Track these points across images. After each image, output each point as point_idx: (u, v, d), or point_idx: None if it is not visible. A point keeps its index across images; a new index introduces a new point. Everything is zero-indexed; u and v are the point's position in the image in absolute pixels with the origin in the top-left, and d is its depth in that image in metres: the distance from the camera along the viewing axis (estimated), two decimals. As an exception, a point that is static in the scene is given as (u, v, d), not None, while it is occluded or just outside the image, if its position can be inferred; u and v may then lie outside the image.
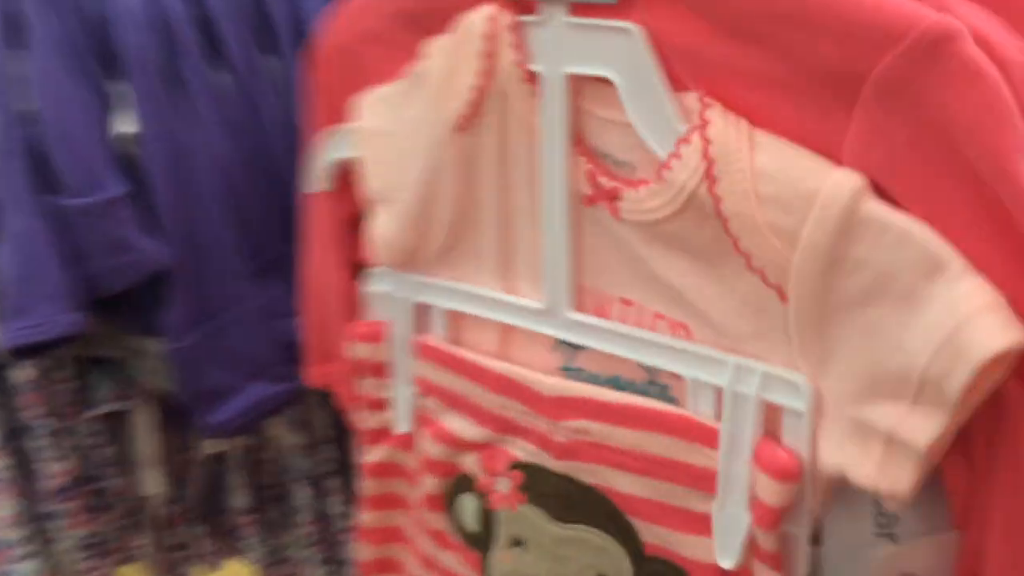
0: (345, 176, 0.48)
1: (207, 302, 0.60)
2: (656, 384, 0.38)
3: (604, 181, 0.36)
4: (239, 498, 0.80)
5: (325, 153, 0.48)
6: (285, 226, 0.66)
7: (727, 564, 0.35)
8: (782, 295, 0.32)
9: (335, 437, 0.83)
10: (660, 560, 0.39)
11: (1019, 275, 0.27)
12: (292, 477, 0.84)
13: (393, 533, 0.53)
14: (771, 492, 0.33)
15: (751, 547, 0.35)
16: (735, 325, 0.34)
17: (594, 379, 0.40)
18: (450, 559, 0.49)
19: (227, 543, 0.85)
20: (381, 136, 0.45)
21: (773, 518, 0.33)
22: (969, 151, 0.27)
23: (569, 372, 0.41)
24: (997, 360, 0.27)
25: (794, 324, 0.31)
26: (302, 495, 0.84)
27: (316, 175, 0.50)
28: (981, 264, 0.28)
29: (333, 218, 0.51)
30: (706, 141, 0.32)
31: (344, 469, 0.84)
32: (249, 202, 0.61)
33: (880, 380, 0.30)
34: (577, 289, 0.40)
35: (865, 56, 0.28)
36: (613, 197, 0.36)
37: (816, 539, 0.34)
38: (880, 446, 0.30)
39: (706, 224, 0.33)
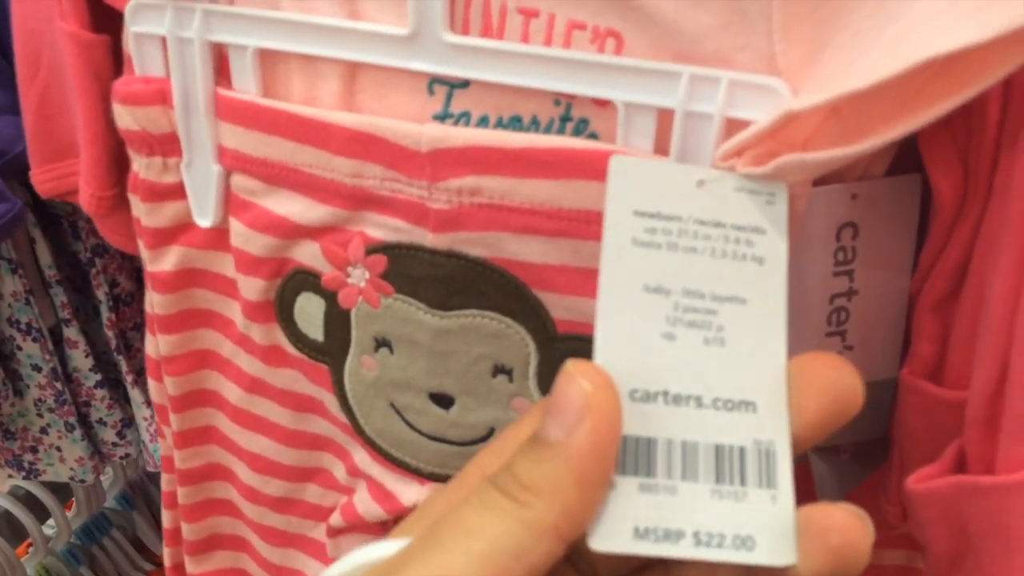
0: None
1: None
2: (571, 119, 0.30)
3: None
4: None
5: None
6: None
7: (670, 328, 0.30)
8: (769, -33, 0.24)
9: (66, 276, 0.69)
10: (577, 337, 0.32)
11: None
12: (13, 332, 0.69)
13: (201, 358, 0.42)
14: (737, 232, 0.27)
15: (698, 304, 0.29)
16: (694, 18, 0.26)
17: (483, 123, 0.31)
18: (286, 377, 0.40)
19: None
20: None
21: (735, 263, 0.27)
22: None
23: (447, 119, 0.32)
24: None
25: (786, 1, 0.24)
26: (30, 352, 0.70)
27: None
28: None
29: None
30: None
31: (83, 314, 0.71)
32: None
33: (860, 60, 0.24)
34: (455, 1, 0.30)
35: None
36: None
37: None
38: None
39: None
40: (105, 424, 0.77)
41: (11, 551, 0.90)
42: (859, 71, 0.22)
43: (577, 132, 0.30)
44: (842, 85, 0.21)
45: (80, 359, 0.73)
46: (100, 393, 0.75)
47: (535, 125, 0.31)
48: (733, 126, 0.27)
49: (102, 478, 1.05)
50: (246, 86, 0.34)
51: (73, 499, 1.01)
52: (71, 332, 0.71)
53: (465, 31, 0.30)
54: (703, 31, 0.26)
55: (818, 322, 0.31)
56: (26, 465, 0.79)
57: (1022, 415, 0.27)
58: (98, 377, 0.74)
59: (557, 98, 0.30)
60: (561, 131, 0.30)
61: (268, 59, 0.34)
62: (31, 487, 0.93)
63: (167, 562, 0.48)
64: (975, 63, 0.22)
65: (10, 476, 0.81)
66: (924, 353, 0.30)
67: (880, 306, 0.31)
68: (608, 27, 0.28)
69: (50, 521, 0.96)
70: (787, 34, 0.25)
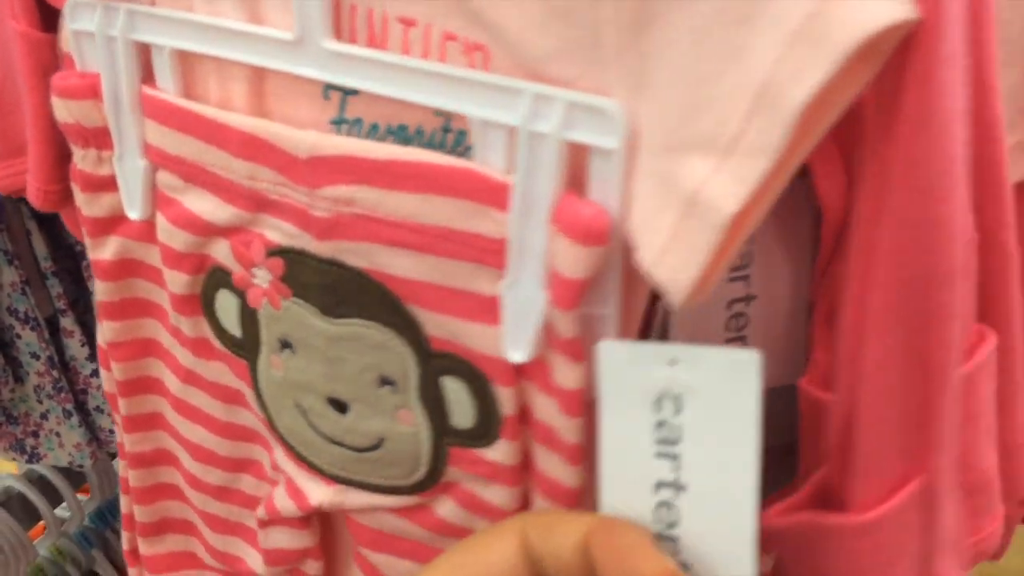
0: None
1: None
2: (451, 130, 0.29)
3: None
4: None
5: None
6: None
7: (518, 356, 0.28)
8: (596, -13, 0.23)
9: (63, 268, 0.70)
10: (448, 355, 0.31)
11: None
12: (12, 320, 0.71)
13: (144, 346, 0.43)
14: (571, 260, 0.25)
15: (548, 335, 0.28)
16: (535, 41, 0.25)
17: (375, 131, 0.31)
18: (214, 370, 0.40)
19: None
20: None
21: (572, 294, 0.26)
22: None
23: (342, 125, 0.31)
24: (871, 46, 0.20)
25: (611, 26, 0.23)
26: (28, 340, 0.72)
27: None
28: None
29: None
30: None
31: (78, 303, 0.72)
32: None
33: (702, 107, 0.22)
34: (341, 8, 0.30)
35: None
36: None
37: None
38: (679, 210, 0.23)
39: None
40: (102, 411, 0.76)
41: (24, 533, 0.91)
42: (719, 121, 0.21)
43: (456, 144, 0.29)
44: (755, 163, 0.21)
45: (76, 348, 0.73)
46: (96, 381, 0.74)
47: (420, 135, 0.30)
48: (576, 149, 0.25)
49: (117, 464, 1.05)
50: (166, 85, 0.35)
51: (88, 483, 1.01)
52: (67, 322, 0.71)
53: (352, 39, 0.30)
54: (544, 54, 0.25)
55: (717, 327, 0.29)
56: (28, 449, 0.79)
57: (870, 452, 0.24)
58: (94, 366, 0.73)
59: (438, 109, 0.29)
60: (443, 142, 0.30)
61: (187, 60, 0.34)
62: (45, 471, 0.93)
63: (125, 545, 0.50)
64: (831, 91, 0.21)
65: (13, 459, 0.83)
66: (820, 362, 0.28)
67: (779, 311, 0.30)
68: (475, 40, 0.27)
69: (64, 504, 0.97)
70: (619, 62, 0.23)
